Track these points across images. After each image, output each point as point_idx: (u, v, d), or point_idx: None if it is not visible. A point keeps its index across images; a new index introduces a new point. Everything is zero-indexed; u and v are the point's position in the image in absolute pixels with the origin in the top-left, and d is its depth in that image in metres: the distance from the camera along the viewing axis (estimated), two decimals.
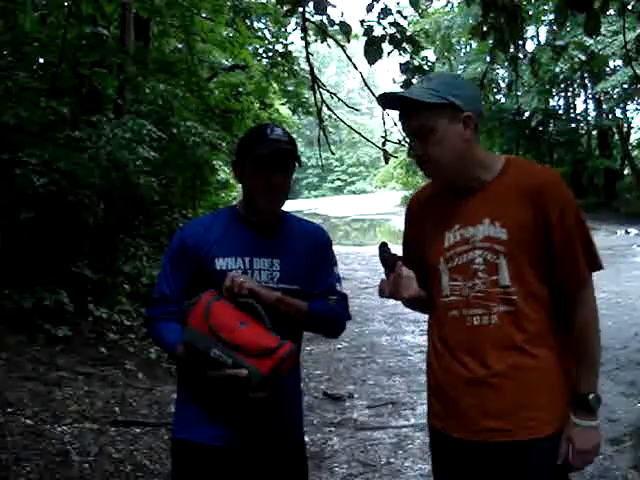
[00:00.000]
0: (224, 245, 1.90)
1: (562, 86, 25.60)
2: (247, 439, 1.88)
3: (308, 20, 4.58)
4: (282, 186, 1.90)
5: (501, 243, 1.72)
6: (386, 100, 1.84)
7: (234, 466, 1.89)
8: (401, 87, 4.56)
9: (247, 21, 12.15)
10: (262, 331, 1.75)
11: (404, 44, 4.33)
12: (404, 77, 4.65)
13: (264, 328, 1.76)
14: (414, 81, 4.44)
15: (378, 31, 4.26)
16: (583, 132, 26.88)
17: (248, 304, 1.77)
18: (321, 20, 4.51)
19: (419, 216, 1.91)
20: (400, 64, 4.46)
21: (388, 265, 1.74)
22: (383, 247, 1.78)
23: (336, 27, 4.34)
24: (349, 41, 4.47)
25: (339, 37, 5.04)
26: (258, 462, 1.91)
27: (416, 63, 4.64)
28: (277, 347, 1.72)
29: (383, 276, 1.78)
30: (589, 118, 26.70)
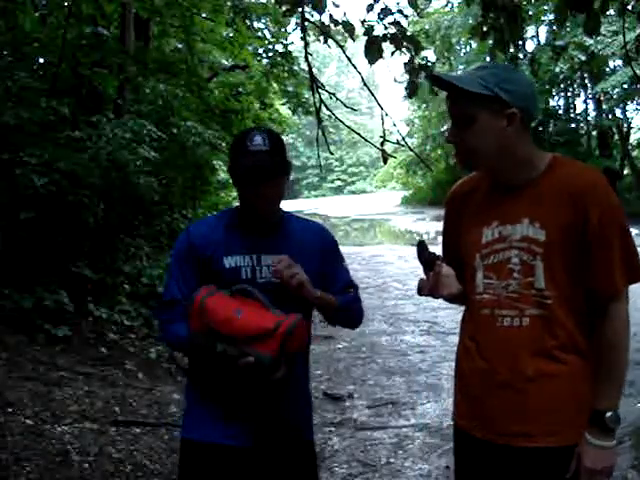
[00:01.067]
0: (230, 244, 1.91)
1: (562, 86, 25.62)
2: (258, 438, 1.88)
3: (307, 20, 4.58)
4: (271, 195, 1.88)
5: (539, 244, 1.66)
6: (435, 82, 1.79)
7: (244, 466, 1.88)
8: (405, 88, 4.56)
9: (247, 21, 12.14)
10: (261, 312, 1.76)
11: (405, 43, 4.32)
12: (407, 77, 4.64)
13: (263, 308, 1.76)
14: (419, 81, 4.43)
15: (379, 30, 4.26)
16: (583, 132, 26.89)
17: (242, 289, 1.79)
18: (321, 20, 4.51)
19: (459, 209, 1.85)
20: (404, 64, 4.45)
21: (427, 263, 1.73)
22: (421, 245, 1.75)
23: (338, 27, 4.34)
24: (354, 40, 4.46)
25: (339, 37, 5.04)
26: (268, 462, 1.90)
27: (417, 62, 4.63)
28: (277, 326, 1.72)
29: (422, 275, 1.75)
30: (589, 118, 26.72)
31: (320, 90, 4.74)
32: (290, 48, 12.83)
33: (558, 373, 1.66)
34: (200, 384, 1.94)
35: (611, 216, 1.65)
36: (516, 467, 1.68)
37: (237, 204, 2.08)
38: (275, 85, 13.19)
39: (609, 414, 1.64)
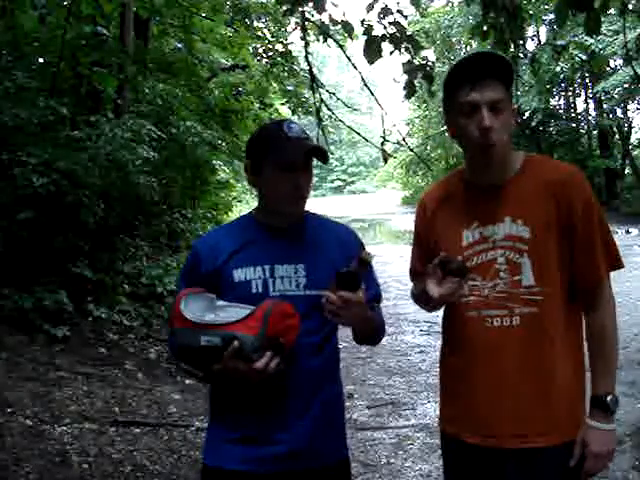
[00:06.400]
0: (242, 255, 1.76)
1: (562, 86, 25.61)
2: (282, 461, 1.71)
3: (308, 20, 4.58)
4: (307, 186, 1.78)
5: (524, 242, 1.66)
6: (469, 62, 1.65)
7: None
8: (404, 88, 4.55)
9: (247, 20, 12.13)
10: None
11: (404, 43, 4.31)
12: (405, 77, 4.62)
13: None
14: (416, 82, 4.42)
15: (378, 30, 4.25)
16: (583, 132, 26.89)
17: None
18: (321, 20, 4.50)
19: (433, 213, 1.83)
20: (402, 64, 4.44)
21: (458, 272, 1.64)
22: (447, 257, 1.66)
23: (337, 27, 4.34)
24: (352, 40, 4.46)
25: (339, 37, 5.04)
26: None
27: (417, 63, 4.62)
28: (255, 308, 1.63)
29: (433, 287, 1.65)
30: (589, 118, 26.71)
31: (320, 90, 4.74)
32: (290, 48, 12.82)
33: (551, 372, 1.65)
34: (219, 406, 1.81)
35: (593, 208, 1.67)
36: (510, 469, 1.66)
37: (248, 210, 1.95)
38: (275, 85, 13.18)
39: (610, 397, 1.66)
